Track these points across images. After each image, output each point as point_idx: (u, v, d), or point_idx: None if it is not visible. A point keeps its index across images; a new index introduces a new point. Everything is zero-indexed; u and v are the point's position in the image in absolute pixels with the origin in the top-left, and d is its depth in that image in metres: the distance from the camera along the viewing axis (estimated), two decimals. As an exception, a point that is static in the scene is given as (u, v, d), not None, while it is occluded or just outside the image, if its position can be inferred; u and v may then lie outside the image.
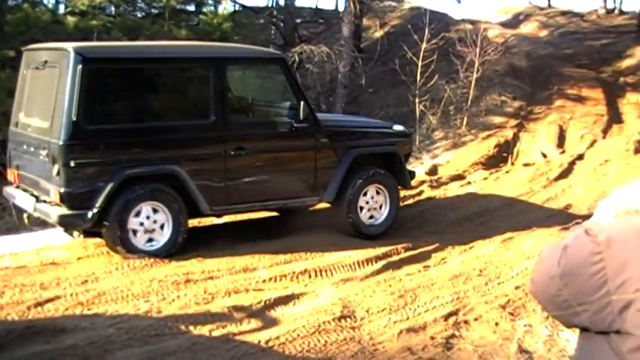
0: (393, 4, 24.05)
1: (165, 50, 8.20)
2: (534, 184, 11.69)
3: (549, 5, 29.07)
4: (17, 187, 7.74)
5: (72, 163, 6.74)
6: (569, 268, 2.18)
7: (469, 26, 20.03)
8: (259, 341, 5.59)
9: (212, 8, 19.37)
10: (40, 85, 7.50)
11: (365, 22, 21.55)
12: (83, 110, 6.78)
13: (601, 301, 2.10)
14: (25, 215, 7.61)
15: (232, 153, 7.55)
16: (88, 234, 7.40)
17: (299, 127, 7.91)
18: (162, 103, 7.62)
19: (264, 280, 6.88)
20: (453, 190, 11.26)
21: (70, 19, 15.47)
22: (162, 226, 7.26)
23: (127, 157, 7.05)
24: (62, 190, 6.75)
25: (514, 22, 25.01)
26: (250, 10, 21.36)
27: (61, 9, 17.73)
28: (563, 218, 9.31)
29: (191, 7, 18.31)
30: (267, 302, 6.34)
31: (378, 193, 8.56)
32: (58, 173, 6.76)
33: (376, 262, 7.60)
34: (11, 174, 7.85)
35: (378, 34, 22.46)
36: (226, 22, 16.12)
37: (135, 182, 7.04)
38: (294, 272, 7.12)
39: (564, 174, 12.35)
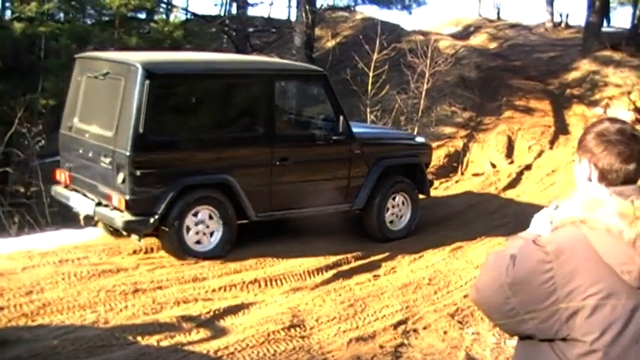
0: (345, 14, 24.19)
1: (223, 66, 8.58)
2: (484, 193, 11.85)
3: (499, 18, 29.55)
4: (67, 187, 8.15)
5: (137, 173, 7.15)
6: (519, 277, 2.22)
7: (420, 37, 20.23)
8: (208, 351, 5.57)
9: (163, 16, 19.28)
10: (99, 94, 7.89)
11: (317, 31, 21.61)
12: (148, 122, 7.16)
13: (549, 309, 2.15)
14: (81, 216, 8.07)
15: (277, 163, 8.00)
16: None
17: (336, 139, 8.42)
18: (217, 117, 7.98)
19: (213, 290, 6.85)
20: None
21: (17, 25, 15.21)
22: (212, 232, 7.72)
23: (185, 167, 7.49)
24: (127, 197, 7.16)
25: (464, 33, 25.34)
26: (202, 18, 21.28)
27: (8, 14, 17.41)
28: (511, 228, 9.43)
29: (142, 15, 18.18)
30: (217, 312, 6.32)
31: (402, 200, 9.08)
32: (123, 181, 7.17)
33: (326, 271, 7.63)
34: (62, 174, 8.21)
35: (330, 44, 22.55)
36: (177, 31, 16.03)
37: (191, 190, 7.48)
38: (244, 282, 7.10)
39: (513, 184, 12.54)
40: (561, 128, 15.58)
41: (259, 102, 8.04)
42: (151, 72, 7.21)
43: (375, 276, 7.70)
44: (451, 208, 10.62)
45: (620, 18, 50.93)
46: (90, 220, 8.16)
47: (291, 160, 8.11)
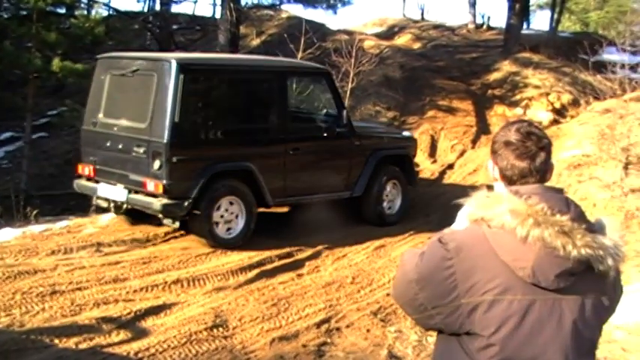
0: (270, 12, 24.15)
1: (246, 62, 9.56)
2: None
3: (422, 18, 29.96)
4: (91, 180, 8.64)
5: (174, 159, 7.74)
6: (424, 274, 2.29)
7: (345, 37, 20.36)
8: (128, 353, 5.50)
9: (84, 12, 18.87)
10: (128, 90, 8.43)
11: (242, 30, 21.50)
12: (182, 113, 7.80)
13: (452, 304, 2.22)
14: (112, 205, 8.58)
15: (291, 152, 8.75)
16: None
17: (340, 132, 9.30)
18: (240, 109, 8.61)
19: (135, 290, 6.76)
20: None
21: None
22: (236, 217, 8.31)
23: (215, 155, 8.14)
24: (164, 182, 7.72)
25: (389, 33, 25.60)
26: (124, 15, 20.94)
27: None
28: (434, 226, 9.60)
29: (62, 10, 17.73)
30: (138, 313, 6.24)
31: (394, 187, 10.03)
32: (159, 168, 7.76)
33: (250, 270, 7.62)
34: (85, 168, 8.69)
35: (255, 42, 22.52)
36: (99, 27, 15.71)
37: (219, 178, 8.11)
38: (166, 282, 7.04)
39: (436, 182, 12.77)
40: (483, 128, 15.91)
41: (275, 96, 8.79)
42: (184, 66, 7.90)
43: (298, 275, 7.74)
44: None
45: (540, 21, 52.36)
46: (118, 209, 8.60)
47: (302, 150, 8.88)
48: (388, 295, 7.24)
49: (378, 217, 9.81)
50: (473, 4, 27.14)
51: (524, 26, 24.31)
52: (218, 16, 19.55)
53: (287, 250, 8.32)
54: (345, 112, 9.34)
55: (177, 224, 8.12)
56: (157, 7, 22.01)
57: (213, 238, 8.13)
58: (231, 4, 17.18)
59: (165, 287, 6.95)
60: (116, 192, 8.28)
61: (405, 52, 21.16)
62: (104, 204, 8.76)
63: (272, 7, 22.96)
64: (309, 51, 15.14)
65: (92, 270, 7.18)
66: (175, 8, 22.46)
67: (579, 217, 2.22)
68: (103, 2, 20.74)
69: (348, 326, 6.51)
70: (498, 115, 16.91)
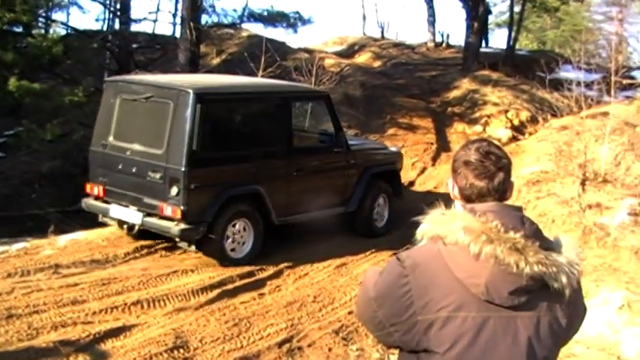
0: (231, 31, 24.13)
1: (255, 88, 9.82)
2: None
3: (383, 37, 30.15)
4: (99, 199, 8.85)
5: (192, 186, 8.00)
6: (382, 291, 2.32)
7: (305, 55, 20.45)
8: (87, 376, 5.43)
9: (42, 31, 18.70)
10: (141, 115, 8.66)
11: (202, 48, 21.47)
12: (199, 141, 8.06)
13: (409, 321, 2.25)
14: (125, 226, 8.81)
15: (294, 173, 9.16)
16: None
17: (337, 151, 9.81)
18: (250, 134, 8.84)
19: (94, 313, 6.69)
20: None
21: None
22: (244, 241, 8.66)
23: (227, 180, 8.46)
24: (182, 208, 7.97)
25: (349, 52, 25.74)
26: (83, 33, 20.75)
27: None
28: (395, 244, 9.65)
29: (19, 29, 17.55)
30: (97, 335, 6.18)
31: (383, 201, 10.55)
32: (177, 194, 8.00)
33: (211, 290, 7.58)
34: (95, 188, 8.90)
35: (216, 61, 22.48)
36: (56, 46, 15.55)
37: (230, 201, 8.41)
38: (125, 303, 6.98)
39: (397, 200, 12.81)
40: (443, 145, 16.06)
41: (281, 120, 9.14)
42: (200, 96, 8.13)
43: (260, 294, 7.72)
44: (336, 225, 10.74)
45: (498, 39, 53.11)
46: (131, 229, 8.78)
47: (304, 170, 9.31)
48: (350, 313, 7.27)
49: (369, 229, 10.30)
50: (432, 23, 27.42)
51: (483, 44, 24.65)
52: (178, 35, 19.48)
53: (248, 269, 8.30)
54: (341, 133, 9.90)
55: (193, 247, 8.41)
56: (117, 26, 21.87)
57: (224, 258, 8.43)
58: (191, 23, 17.17)
59: (125, 309, 6.89)
60: (130, 214, 8.47)
61: (366, 70, 21.30)
62: (112, 222, 9.09)
63: (232, 25, 22.92)
64: (270, 70, 15.18)
65: (50, 292, 7.09)
66: (135, 27, 22.32)
67: (534, 234, 2.25)
68: (60, 21, 20.59)
69: (309, 345, 6.51)
70: (458, 132, 17.09)
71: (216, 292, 7.56)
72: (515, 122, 17.39)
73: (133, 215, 8.43)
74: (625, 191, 10.79)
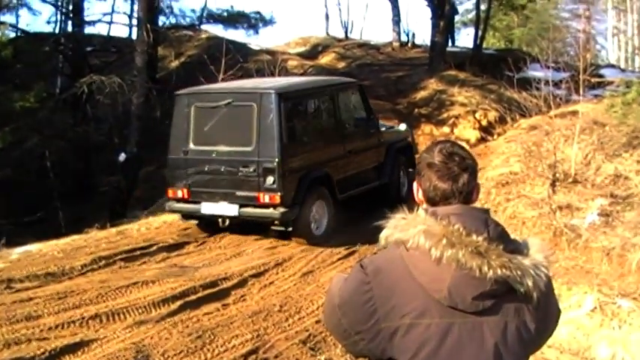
0: (190, 33, 24.02)
1: (317, 83, 11.83)
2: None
3: (347, 37, 30.25)
4: (184, 201, 10.01)
5: (286, 174, 9.45)
6: (345, 299, 2.33)
7: (267, 57, 20.47)
8: (43, 395, 5.36)
9: (-10, 33, 18.45)
10: (221, 120, 9.84)
11: (160, 51, 21.39)
12: (285, 134, 9.53)
13: (373, 328, 2.24)
14: (220, 220, 10.03)
15: (348, 154, 10.81)
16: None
17: (372, 132, 11.66)
18: (317, 121, 10.83)
19: (49, 328, 6.60)
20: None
21: None
22: (321, 216, 10.10)
23: (306, 165, 9.92)
24: (280, 194, 9.36)
25: (312, 52, 25.81)
26: (33, 36, 20.52)
27: None
28: (363, 250, 9.67)
29: (-34, 32, 17.32)
30: (53, 352, 6.10)
31: (403, 173, 12.24)
32: (273, 182, 9.38)
33: (173, 302, 7.52)
34: (178, 192, 10.05)
35: (174, 64, 22.41)
36: (6, 49, 15.40)
37: (312, 184, 9.90)
38: (83, 317, 6.90)
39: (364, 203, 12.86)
40: (410, 148, 16.13)
41: (335, 108, 10.86)
42: (282, 95, 9.61)
43: (224, 305, 7.68)
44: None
45: (465, 38, 53.53)
46: (224, 222, 10.02)
47: (353, 151, 10.94)
48: (317, 322, 7.25)
49: (398, 197, 11.70)
50: (397, 22, 27.58)
51: (450, 43, 24.84)
52: (134, 37, 19.32)
53: (211, 279, 8.25)
54: (374, 116, 11.86)
55: (290, 228, 9.66)
56: (69, 29, 21.65)
57: (311, 237, 9.83)
58: (148, 25, 17.06)
59: (83, 323, 6.81)
60: (224, 208, 9.69)
61: (330, 71, 21.38)
62: (192, 221, 10.41)
63: (191, 27, 22.80)
64: (231, 72, 15.16)
65: (2, 308, 6.99)
66: (89, 29, 22.13)
67: (498, 236, 2.24)
68: (10, 23, 20.29)
69: (276, 356, 6.49)
70: (425, 134, 17.24)
71: (178, 303, 7.49)
72: (484, 123, 17.60)
73: (228, 208, 9.63)
74: (595, 191, 10.92)
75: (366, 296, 2.25)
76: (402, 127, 13.36)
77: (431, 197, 2.36)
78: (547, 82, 13.61)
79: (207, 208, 9.83)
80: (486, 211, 2.34)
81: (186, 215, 10.33)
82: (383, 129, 12.42)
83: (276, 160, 9.37)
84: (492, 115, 17.63)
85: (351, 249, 9.73)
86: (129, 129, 17.47)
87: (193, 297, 7.74)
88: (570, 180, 11.19)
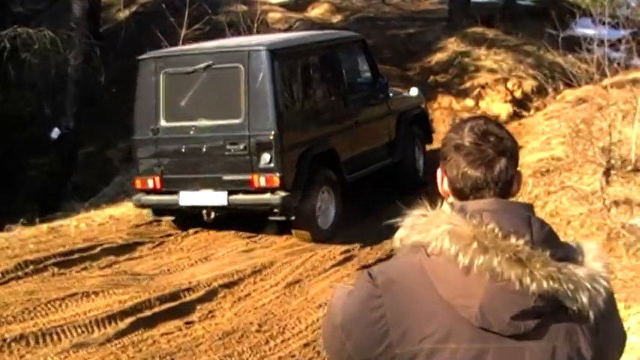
0: (143, -25, 23.96)
1: (316, 38, 12.01)
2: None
3: (344, -17, 30.21)
4: (156, 192, 10.04)
5: (285, 150, 9.51)
6: (349, 317, 2.28)
7: (243, 8, 20.36)
8: None
9: None
10: (199, 88, 9.89)
11: (104, -2, 21.31)
12: (283, 101, 9.67)
13: (385, 355, 2.20)
14: (204, 213, 10.09)
15: (354, 126, 10.96)
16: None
17: (381, 98, 11.82)
18: (317, 86, 10.77)
19: (-39, 354, 6.58)
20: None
21: None
22: (328, 206, 10.25)
23: (308, 138, 10.08)
24: (279, 174, 9.43)
25: (300, 3, 25.71)
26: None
27: None
28: (367, 252, 9.69)
29: None
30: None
31: (418, 148, 12.51)
32: (270, 160, 9.42)
33: (122, 319, 7.52)
34: (148, 181, 10.03)
35: (123, 15, 22.29)
36: None
37: (315, 162, 9.98)
38: (4, 339, 6.87)
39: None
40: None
41: (338, 70, 11.00)
42: (275, 52, 9.66)
43: (187, 323, 7.69)
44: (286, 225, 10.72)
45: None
46: (208, 215, 10.12)
47: (360, 122, 11.13)
48: (306, 345, 7.27)
49: (414, 179, 12.05)
50: (408, -36, 27.52)
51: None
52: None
53: (171, 290, 8.26)
54: (381, 79, 11.90)
55: (293, 217, 9.71)
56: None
57: (317, 231, 9.98)
58: (88, -37, 16.97)
59: (4, 347, 6.78)
60: (209, 197, 9.78)
61: (322, 26, 21.31)
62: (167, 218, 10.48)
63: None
64: (197, 26, 15.13)
65: None
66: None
67: (544, 240, 2.18)
68: None
69: (254, 390, 6.49)
70: (443, 108, 17.22)
71: (128, 320, 7.49)
72: (518, 94, 17.57)
73: (214, 197, 9.72)
74: (662, 183, 10.94)
75: (376, 314, 2.20)
76: (414, 91, 13.39)
77: (459, 188, 2.31)
78: (601, 43, 13.60)
79: (187, 198, 9.88)
80: (529, 207, 2.29)
81: (160, 210, 10.38)
82: (391, 95, 12.55)
83: (273, 132, 9.45)
84: (529, 85, 17.61)
85: (349, 253, 9.73)
86: (64, 97, 17.37)
87: (148, 313, 7.74)
88: (630, 168, 11.20)
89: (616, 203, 10.42)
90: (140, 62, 10.41)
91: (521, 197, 10.42)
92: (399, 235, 2.28)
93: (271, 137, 9.41)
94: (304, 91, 10.39)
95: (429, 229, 2.18)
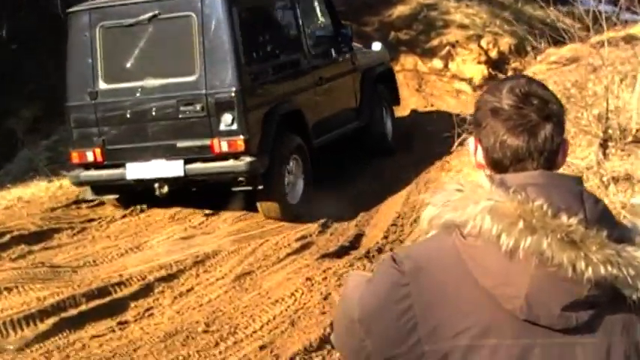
0: None
1: None
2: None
3: None
4: (98, 166, 10.15)
5: (249, 109, 9.74)
6: (370, 309, 2.26)
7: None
8: None
9: None
10: (145, 42, 9.98)
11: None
12: (244, 52, 9.86)
13: (413, 353, 2.18)
14: (156, 186, 10.00)
15: (318, 83, 11.32)
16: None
17: (345, 52, 12.20)
18: (277, 39, 11.13)
19: None
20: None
21: None
22: (296, 176, 10.58)
23: (273, 96, 10.42)
24: (243, 136, 9.65)
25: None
26: None
27: None
28: (325, 240, 9.71)
29: None
30: None
31: (385, 110, 13.08)
32: (232, 122, 9.63)
33: (42, 319, 7.48)
34: (87, 153, 10.09)
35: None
36: None
37: (281, 124, 10.25)
38: None
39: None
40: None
41: (298, 19, 11.27)
42: None
43: (120, 324, 7.67)
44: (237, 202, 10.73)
45: None
46: (161, 188, 10.01)
47: (324, 78, 11.50)
48: (262, 348, 7.26)
49: (383, 145, 12.74)
50: None
51: None
52: None
53: (99, 284, 8.24)
54: (345, 31, 12.32)
55: (261, 186, 9.86)
56: None
57: (286, 206, 10.22)
58: None
59: None
60: (162, 168, 9.85)
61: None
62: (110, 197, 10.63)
63: None
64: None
65: None
66: None
67: (600, 218, 2.17)
68: None
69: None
70: (407, 70, 17.33)
71: (51, 321, 7.46)
72: (493, 54, 17.77)
73: (168, 167, 9.82)
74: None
75: (402, 306, 2.19)
76: (377, 46, 13.84)
77: (497, 159, 2.29)
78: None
79: (136, 171, 9.96)
80: (579, 180, 2.29)
81: (102, 187, 10.43)
82: (357, 47, 12.97)
83: (234, 89, 9.67)
84: (506, 43, 17.80)
85: (305, 239, 9.74)
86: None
87: (74, 312, 7.71)
88: (630, 139, 11.32)
89: (615, 179, 10.53)
90: (71, 15, 10.42)
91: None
92: (427, 214, 2.24)
93: (232, 95, 9.60)
94: (264, 42, 10.72)
95: (466, 207, 2.16)
